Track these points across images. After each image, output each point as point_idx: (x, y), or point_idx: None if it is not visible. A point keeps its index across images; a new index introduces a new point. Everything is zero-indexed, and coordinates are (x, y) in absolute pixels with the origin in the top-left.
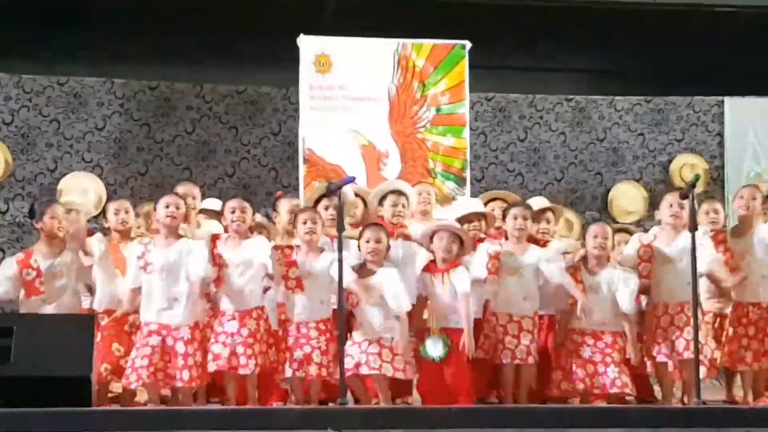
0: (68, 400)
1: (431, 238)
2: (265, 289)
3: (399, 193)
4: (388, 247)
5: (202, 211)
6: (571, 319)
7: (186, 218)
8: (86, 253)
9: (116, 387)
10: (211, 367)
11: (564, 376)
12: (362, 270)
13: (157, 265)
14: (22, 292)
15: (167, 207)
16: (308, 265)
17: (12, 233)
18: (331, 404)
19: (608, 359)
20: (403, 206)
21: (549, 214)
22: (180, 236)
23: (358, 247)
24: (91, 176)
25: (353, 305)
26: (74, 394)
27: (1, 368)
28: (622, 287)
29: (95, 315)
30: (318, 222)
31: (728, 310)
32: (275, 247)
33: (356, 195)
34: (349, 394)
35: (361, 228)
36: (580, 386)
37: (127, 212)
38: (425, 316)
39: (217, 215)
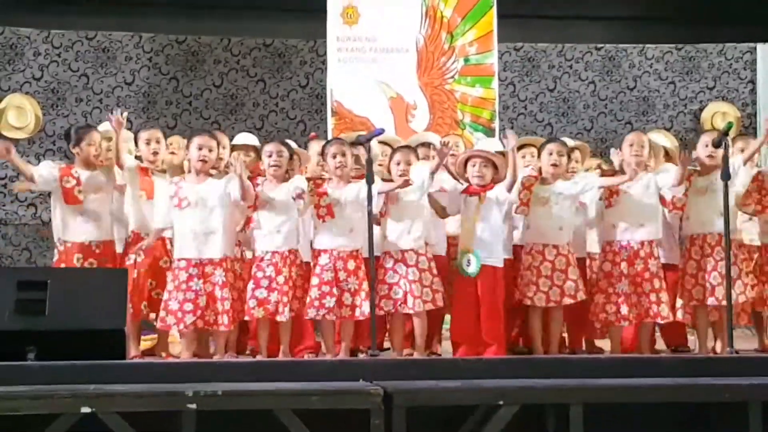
0: (102, 352)
1: (465, 165)
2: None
3: (429, 145)
4: None
5: (236, 147)
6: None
7: (216, 166)
8: (119, 166)
9: (145, 343)
10: (258, 313)
11: (608, 299)
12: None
13: (191, 199)
14: (57, 197)
15: (200, 149)
16: (338, 194)
17: None
18: (361, 355)
19: (647, 288)
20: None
21: (576, 153)
22: (211, 175)
23: (388, 170)
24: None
25: (383, 215)
26: (108, 347)
27: (36, 321)
28: (661, 176)
29: (132, 244)
30: (347, 154)
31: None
32: (307, 179)
33: (384, 143)
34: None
35: (391, 151)
36: (624, 323)
37: (158, 142)
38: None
39: (253, 150)
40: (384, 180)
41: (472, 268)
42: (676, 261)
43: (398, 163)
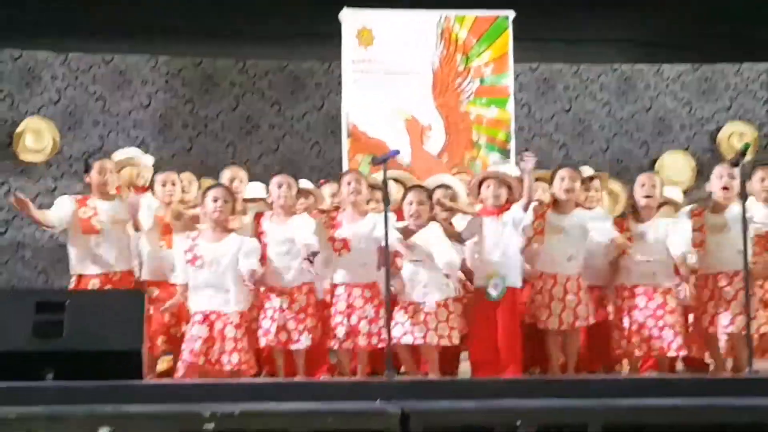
0: (119, 373)
1: (479, 187)
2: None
3: (446, 187)
4: (431, 209)
5: (247, 200)
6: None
7: (233, 209)
8: (136, 227)
9: (162, 363)
10: (262, 342)
11: (620, 335)
12: (405, 232)
13: (206, 259)
14: (75, 230)
15: (215, 201)
16: (353, 227)
17: None
18: (378, 377)
19: (661, 322)
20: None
21: (596, 182)
22: (229, 229)
23: (400, 213)
24: (138, 152)
25: (398, 268)
26: (125, 368)
27: (54, 343)
28: (672, 232)
29: (145, 286)
30: (362, 183)
31: None
32: (320, 211)
33: (397, 181)
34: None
35: (404, 191)
36: (638, 353)
37: (173, 184)
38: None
39: (263, 201)
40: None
41: (498, 292)
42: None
43: (411, 203)
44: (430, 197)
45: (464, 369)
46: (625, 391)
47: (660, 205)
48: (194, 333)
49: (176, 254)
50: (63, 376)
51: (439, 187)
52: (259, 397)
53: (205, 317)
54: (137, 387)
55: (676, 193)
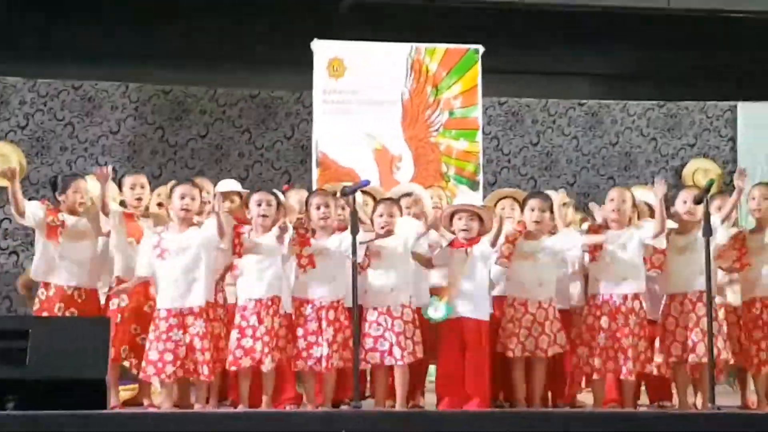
0: (83, 402)
1: (450, 219)
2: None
3: (412, 196)
4: None
5: (221, 193)
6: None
7: (200, 212)
8: (105, 213)
9: (125, 393)
10: (244, 362)
11: (591, 353)
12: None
13: (172, 248)
14: (42, 233)
15: (182, 198)
16: (321, 244)
17: (26, 236)
18: (344, 406)
19: (623, 344)
20: (421, 210)
21: (569, 209)
22: (194, 224)
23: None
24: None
25: (364, 268)
26: (89, 397)
27: (18, 371)
28: (642, 230)
29: (116, 284)
30: (331, 205)
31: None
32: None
33: (367, 193)
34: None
35: (374, 204)
36: (597, 376)
37: (142, 187)
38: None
39: (238, 196)
40: (366, 232)
41: (439, 314)
42: (655, 317)
43: (381, 215)
44: (400, 210)
45: (430, 401)
46: (588, 424)
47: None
48: (173, 338)
49: (142, 248)
50: (25, 406)
51: (405, 195)
52: (223, 427)
53: (176, 317)
54: (101, 417)
55: (651, 198)
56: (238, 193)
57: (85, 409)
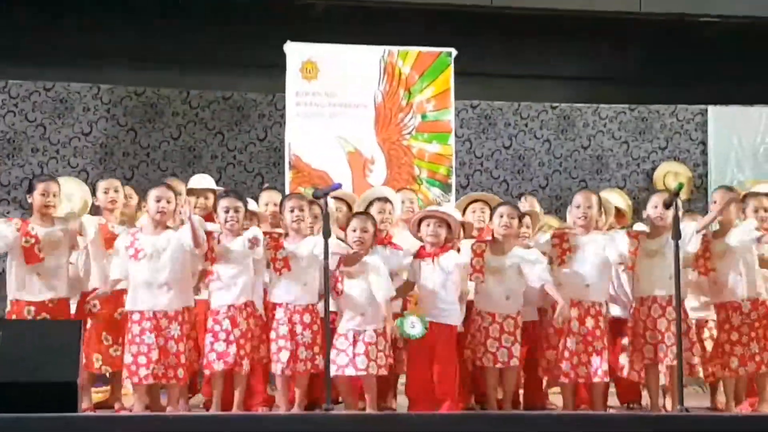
0: (54, 405)
1: (419, 225)
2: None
3: (385, 200)
4: (374, 236)
5: (191, 191)
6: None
7: (175, 209)
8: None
9: (97, 395)
10: (218, 366)
11: (559, 357)
12: (348, 259)
13: (147, 251)
14: (15, 255)
15: (158, 201)
16: (293, 248)
17: None
18: (317, 410)
19: (590, 348)
20: (390, 213)
21: (527, 219)
22: (168, 227)
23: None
24: (77, 181)
25: (338, 293)
26: (60, 400)
27: None
28: (609, 243)
29: (85, 296)
30: (305, 209)
31: (707, 316)
32: (264, 233)
33: (340, 199)
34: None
35: (347, 213)
36: (565, 380)
37: (116, 191)
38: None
39: (211, 193)
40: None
41: (417, 331)
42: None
43: (354, 230)
44: (374, 224)
45: (401, 402)
46: (559, 427)
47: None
48: (146, 341)
49: (116, 249)
50: None
51: (377, 200)
52: (196, 430)
53: (150, 322)
54: (72, 419)
55: (618, 201)
56: (213, 191)
57: (56, 412)
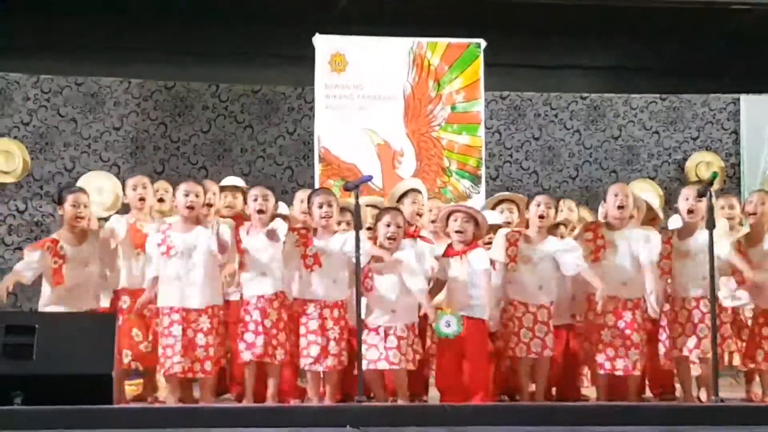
0: (90, 397)
1: (447, 220)
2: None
3: (417, 191)
4: (404, 231)
5: (224, 188)
6: (589, 314)
7: (203, 203)
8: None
9: (131, 388)
10: (246, 356)
11: (592, 349)
12: (378, 257)
13: (179, 248)
14: (48, 276)
15: (186, 195)
16: (323, 244)
17: (30, 232)
18: (348, 402)
19: (628, 342)
20: (422, 204)
21: (561, 229)
22: (199, 222)
23: (375, 237)
24: (108, 175)
25: (368, 289)
26: (96, 392)
27: (24, 366)
28: (643, 243)
29: (118, 294)
30: (333, 204)
31: (747, 305)
32: (291, 229)
33: (369, 206)
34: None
35: (378, 212)
36: (602, 372)
37: (144, 187)
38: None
39: (241, 192)
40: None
41: (452, 329)
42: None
43: (388, 225)
44: (405, 220)
45: (433, 395)
46: (593, 418)
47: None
48: (174, 333)
49: (148, 248)
50: (32, 400)
51: (408, 192)
52: (228, 421)
53: (180, 316)
54: (107, 411)
55: (652, 199)
56: (242, 190)
57: (91, 404)
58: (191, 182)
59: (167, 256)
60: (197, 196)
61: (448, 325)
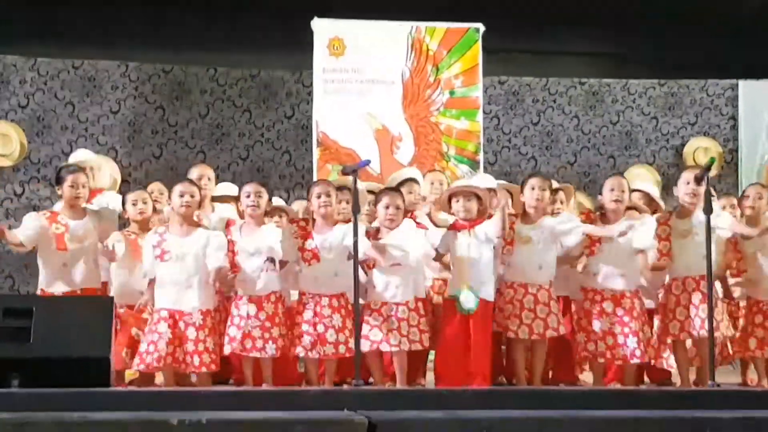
0: (87, 380)
1: (449, 201)
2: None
3: (413, 180)
4: (405, 213)
5: (216, 198)
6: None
7: (200, 203)
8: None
9: (130, 372)
10: (227, 349)
11: (588, 338)
12: (377, 235)
13: (173, 253)
14: (46, 247)
15: (182, 196)
16: (323, 237)
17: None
18: (346, 385)
19: (626, 329)
20: (418, 194)
21: (561, 194)
22: (196, 224)
23: (374, 216)
24: (107, 159)
25: (370, 267)
26: (93, 375)
27: (21, 349)
28: (638, 226)
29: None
30: (332, 195)
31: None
32: (291, 221)
33: (371, 192)
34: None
35: (376, 193)
36: (601, 360)
37: (145, 202)
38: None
39: (233, 200)
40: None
41: (471, 304)
42: (653, 304)
43: (387, 207)
44: (404, 201)
45: (431, 379)
46: (590, 402)
47: (627, 209)
48: (159, 330)
49: (144, 250)
50: (29, 383)
51: (405, 181)
52: (226, 405)
53: (170, 315)
54: (105, 394)
55: (650, 188)
56: (235, 198)
57: (89, 387)
58: (186, 183)
59: (161, 260)
60: (192, 196)
61: (468, 301)
